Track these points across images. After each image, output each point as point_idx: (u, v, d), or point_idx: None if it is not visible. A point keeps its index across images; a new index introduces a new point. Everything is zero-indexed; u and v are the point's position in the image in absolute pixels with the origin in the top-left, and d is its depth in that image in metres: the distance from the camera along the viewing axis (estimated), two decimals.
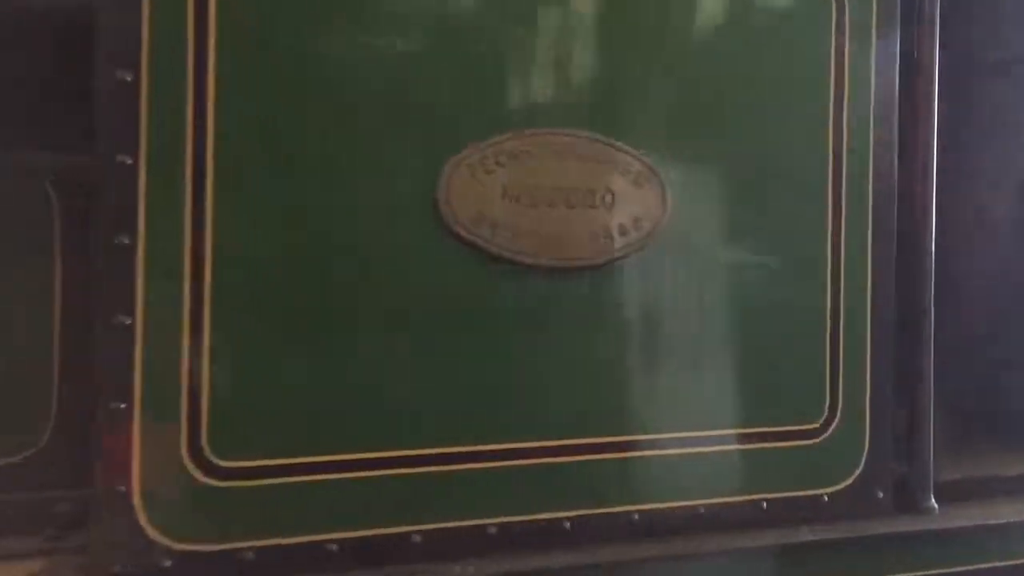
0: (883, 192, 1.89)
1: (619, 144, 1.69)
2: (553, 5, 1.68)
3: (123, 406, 1.45)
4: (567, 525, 1.68)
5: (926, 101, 1.94)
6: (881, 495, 1.90)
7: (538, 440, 1.66)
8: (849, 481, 1.88)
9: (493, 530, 1.64)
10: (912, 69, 1.93)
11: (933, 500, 1.95)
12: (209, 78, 1.48)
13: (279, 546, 1.53)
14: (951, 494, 2.00)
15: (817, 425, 1.85)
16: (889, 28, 1.88)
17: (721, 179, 1.79)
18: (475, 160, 1.61)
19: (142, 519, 1.47)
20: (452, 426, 1.62)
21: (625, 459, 1.73)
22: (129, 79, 1.44)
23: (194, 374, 1.49)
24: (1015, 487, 2.08)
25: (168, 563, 1.48)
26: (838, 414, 1.87)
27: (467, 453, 1.63)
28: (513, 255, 1.64)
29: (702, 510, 1.77)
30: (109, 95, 1.44)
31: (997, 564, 1.93)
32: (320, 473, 1.57)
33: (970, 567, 1.93)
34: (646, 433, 1.74)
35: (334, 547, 1.57)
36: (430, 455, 1.61)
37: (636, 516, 1.73)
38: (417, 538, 1.60)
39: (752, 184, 1.80)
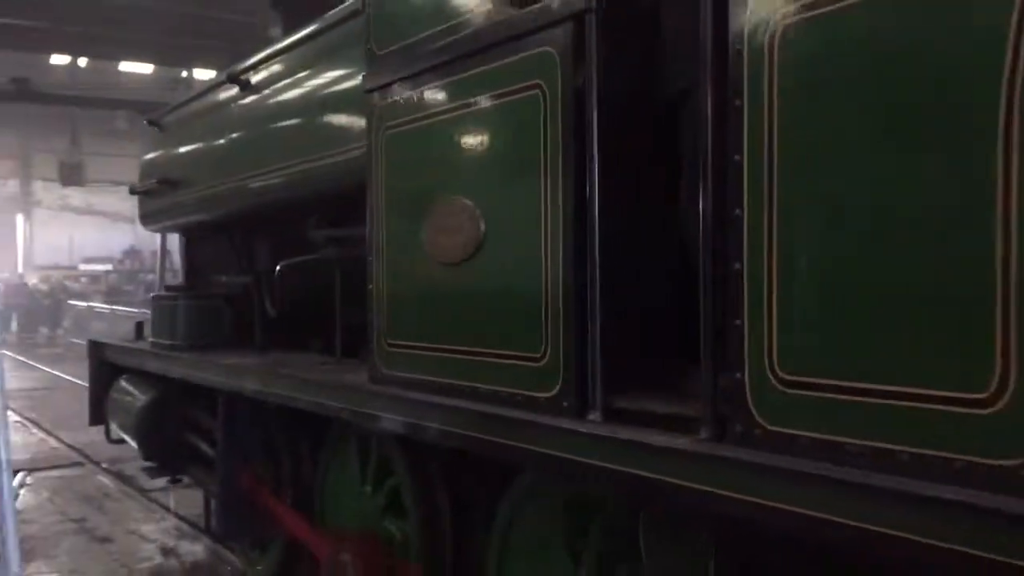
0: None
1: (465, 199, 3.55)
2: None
3: None
4: None
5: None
6: (566, 404, 3.11)
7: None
8: (551, 393, 3.17)
9: None
10: None
11: (597, 413, 3.01)
12: None
13: None
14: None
15: (539, 353, 3.23)
16: None
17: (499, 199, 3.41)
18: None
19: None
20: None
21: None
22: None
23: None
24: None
25: None
26: (548, 345, 3.19)
27: None
28: (439, 257, 3.70)
29: None
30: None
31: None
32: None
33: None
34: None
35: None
36: None
37: None
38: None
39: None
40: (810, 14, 2.38)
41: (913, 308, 2.16)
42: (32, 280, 41.20)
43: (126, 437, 6.79)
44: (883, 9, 2.24)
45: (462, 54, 3.54)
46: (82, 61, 38.40)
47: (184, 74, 37.18)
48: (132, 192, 7.21)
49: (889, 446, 2.20)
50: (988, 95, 2.00)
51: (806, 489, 2.29)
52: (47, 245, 44.90)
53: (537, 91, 3.22)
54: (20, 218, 46.18)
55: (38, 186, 45.05)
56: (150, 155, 7.20)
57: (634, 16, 3.21)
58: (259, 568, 6.06)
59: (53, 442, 12.45)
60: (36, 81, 32.18)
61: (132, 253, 44.99)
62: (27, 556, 6.69)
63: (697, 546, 2.95)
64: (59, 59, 38.00)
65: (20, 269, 43.72)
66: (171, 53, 33.63)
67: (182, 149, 6.71)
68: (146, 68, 37.93)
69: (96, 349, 7.47)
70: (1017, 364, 1.97)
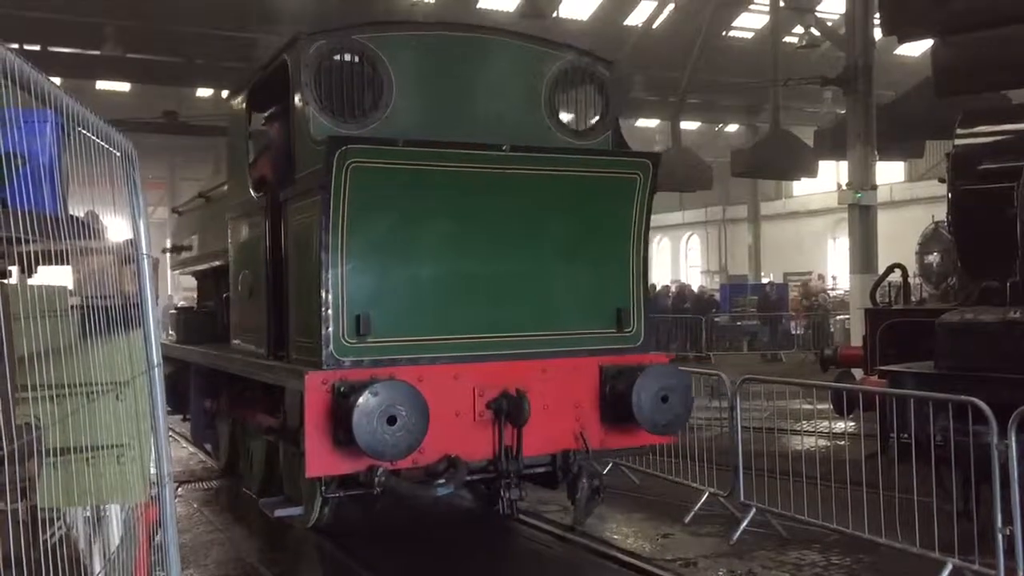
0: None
1: None
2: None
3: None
4: None
5: None
6: (267, 355, 8.83)
7: None
8: (263, 349, 8.91)
9: None
10: None
11: (272, 358, 8.71)
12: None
13: None
14: None
15: (263, 335, 8.97)
16: None
17: None
18: None
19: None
20: None
21: None
22: None
23: None
24: None
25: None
26: (264, 333, 8.94)
27: None
28: (242, 295, 9.50)
29: None
30: None
31: None
32: None
33: None
34: None
35: None
36: None
37: None
38: None
39: None
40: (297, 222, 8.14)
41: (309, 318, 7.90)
42: (180, 302, 48.09)
43: None
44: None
45: (247, 212, 9.38)
46: (225, 92, 43.80)
47: None
48: (164, 251, 13.48)
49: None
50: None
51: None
52: None
53: (262, 229, 9.01)
54: (168, 244, 53.88)
55: None
56: (174, 228, 13.51)
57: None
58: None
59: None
60: (183, 113, 38.61)
61: None
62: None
63: None
64: (204, 91, 43.82)
65: (169, 291, 51.01)
66: None
67: (185, 227, 13.00)
68: None
69: None
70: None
